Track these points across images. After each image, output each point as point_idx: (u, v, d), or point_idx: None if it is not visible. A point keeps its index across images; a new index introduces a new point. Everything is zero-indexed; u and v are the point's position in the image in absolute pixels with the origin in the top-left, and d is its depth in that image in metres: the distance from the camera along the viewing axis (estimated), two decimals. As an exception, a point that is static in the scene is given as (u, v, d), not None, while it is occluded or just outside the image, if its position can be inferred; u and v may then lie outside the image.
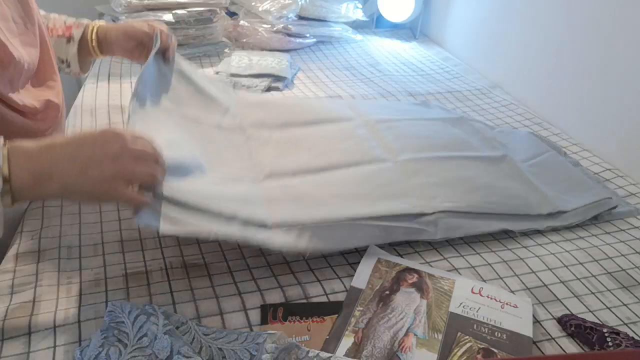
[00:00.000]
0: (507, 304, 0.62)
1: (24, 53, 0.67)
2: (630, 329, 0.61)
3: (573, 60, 1.04)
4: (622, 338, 0.57)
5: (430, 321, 0.60)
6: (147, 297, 0.61)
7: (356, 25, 1.61)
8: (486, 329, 0.59)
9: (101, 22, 0.87)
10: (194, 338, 0.54)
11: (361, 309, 0.61)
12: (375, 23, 1.70)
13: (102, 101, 1.09)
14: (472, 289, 0.64)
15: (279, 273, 0.67)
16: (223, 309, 0.60)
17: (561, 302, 0.65)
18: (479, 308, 0.61)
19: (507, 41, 1.25)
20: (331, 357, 0.54)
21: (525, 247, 0.74)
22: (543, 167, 0.91)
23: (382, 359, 0.55)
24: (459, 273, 0.68)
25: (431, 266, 0.69)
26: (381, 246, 0.71)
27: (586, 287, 0.67)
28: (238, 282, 0.65)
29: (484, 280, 0.67)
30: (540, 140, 1.00)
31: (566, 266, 0.71)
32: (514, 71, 1.23)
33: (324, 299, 0.63)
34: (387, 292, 0.63)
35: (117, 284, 0.63)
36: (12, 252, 0.66)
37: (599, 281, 0.68)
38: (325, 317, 0.60)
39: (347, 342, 0.57)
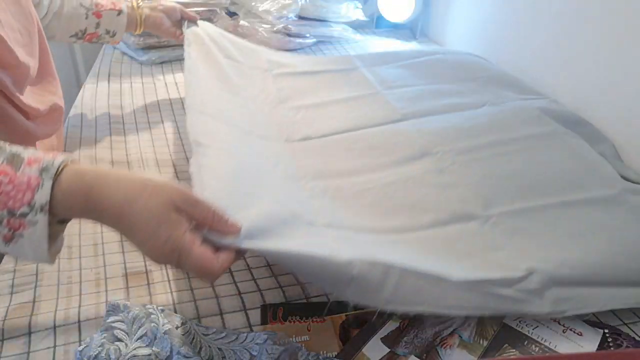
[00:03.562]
0: (570, 329, 0.58)
1: (30, 60, 0.70)
2: (631, 329, 0.60)
3: (573, 60, 1.04)
4: (624, 339, 0.57)
5: (480, 327, 0.58)
6: (147, 297, 0.61)
7: (356, 25, 1.61)
8: (537, 348, 0.56)
9: (135, 1, 1.03)
10: (193, 338, 0.54)
11: None
12: (375, 23, 1.69)
13: (102, 101, 1.09)
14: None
15: (278, 273, 0.66)
16: (223, 309, 0.60)
17: (561, 302, 0.64)
18: (537, 326, 0.58)
19: (507, 41, 1.25)
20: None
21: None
22: None
23: (420, 348, 0.56)
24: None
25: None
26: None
27: (586, 287, 0.67)
28: (238, 282, 0.65)
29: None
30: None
31: (566, 266, 0.70)
32: (513, 71, 1.23)
33: (324, 299, 0.63)
34: None
35: (117, 284, 0.63)
36: (12, 252, 0.66)
37: (599, 281, 0.68)
38: (325, 317, 0.60)
39: (392, 325, 0.58)
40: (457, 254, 0.63)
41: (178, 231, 0.44)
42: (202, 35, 1.07)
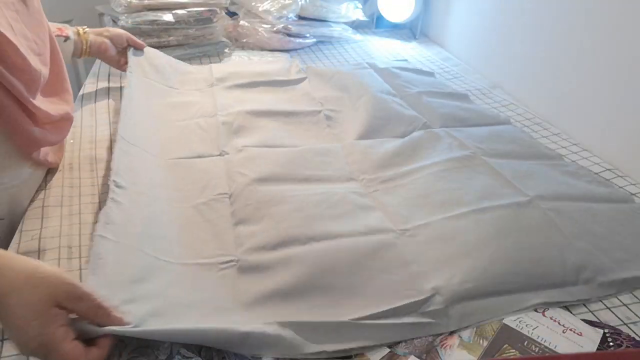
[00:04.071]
0: (570, 329, 0.58)
1: (43, 68, 0.70)
2: (630, 329, 0.60)
3: (573, 59, 1.04)
4: (624, 338, 0.57)
5: (480, 328, 0.59)
6: (147, 297, 0.61)
7: (356, 25, 1.61)
8: (537, 349, 0.56)
9: (80, 27, 1.03)
10: (194, 338, 0.54)
11: None
12: (375, 23, 1.70)
13: (102, 101, 1.09)
14: (536, 307, 0.62)
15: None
16: (223, 309, 0.60)
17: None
18: (536, 327, 0.59)
19: (507, 41, 1.25)
20: (331, 357, 0.54)
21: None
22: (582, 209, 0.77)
23: (420, 348, 0.56)
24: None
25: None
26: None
27: (586, 287, 0.67)
28: (238, 282, 0.64)
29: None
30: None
31: (566, 266, 0.70)
32: (514, 71, 1.23)
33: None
34: None
35: (117, 284, 0.63)
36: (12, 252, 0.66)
37: (599, 281, 0.68)
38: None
39: None
40: (372, 269, 0.64)
41: (51, 327, 0.44)
42: (144, 65, 1.10)
